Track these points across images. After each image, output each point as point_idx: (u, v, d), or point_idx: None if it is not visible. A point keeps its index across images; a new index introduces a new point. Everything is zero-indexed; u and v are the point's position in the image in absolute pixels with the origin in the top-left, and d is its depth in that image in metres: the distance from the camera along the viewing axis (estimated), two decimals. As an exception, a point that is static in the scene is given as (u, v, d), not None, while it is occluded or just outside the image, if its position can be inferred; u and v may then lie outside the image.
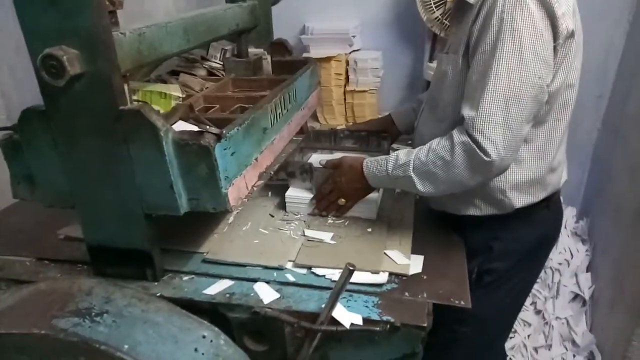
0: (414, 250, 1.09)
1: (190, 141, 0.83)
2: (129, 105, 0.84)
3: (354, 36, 2.38)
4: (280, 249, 1.09)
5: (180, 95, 1.23)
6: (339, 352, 0.94)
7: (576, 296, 2.04)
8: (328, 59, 2.32)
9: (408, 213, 1.25)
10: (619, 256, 1.84)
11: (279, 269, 1.02)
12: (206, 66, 1.58)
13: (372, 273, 1.00)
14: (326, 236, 1.13)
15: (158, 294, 0.94)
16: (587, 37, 2.19)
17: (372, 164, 1.13)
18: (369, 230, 1.16)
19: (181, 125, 0.94)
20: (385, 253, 1.07)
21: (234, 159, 0.92)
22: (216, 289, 0.97)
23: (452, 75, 1.08)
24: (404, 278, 1.00)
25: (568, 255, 2.14)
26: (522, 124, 0.96)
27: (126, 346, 0.75)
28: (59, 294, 0.84)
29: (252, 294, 0.95)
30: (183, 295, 0.95)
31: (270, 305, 0.92)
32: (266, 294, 0.95)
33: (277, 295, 0.95)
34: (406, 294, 0.96)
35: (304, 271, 1.02)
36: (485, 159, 0.95)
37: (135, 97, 1.15)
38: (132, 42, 0.90)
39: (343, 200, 1.19)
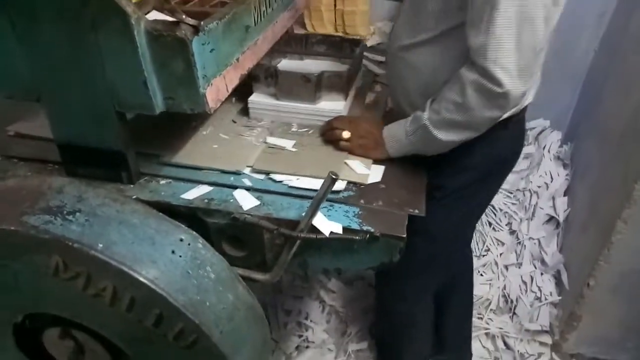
0: (377, 161, 1.09)
1: (165, 32, 0.76)
2: (95, -12, 0.75)
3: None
4: (239, 154, 1.07)
5: (156, -14, 1.12)
6: (317, 259, 0.95)
7: (551, 218, 2.10)
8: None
9: None
10: (597, 179, 1.87)
11: (237, 173, 1.01)
12: (185, -43, 1.44)
13: None
14: (288, 144, 1.11)
15: (134, 197, 0.92)
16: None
17: (391, 125, 1.07)
18: None
19: (155, 15, 0.86)
20: (345, 162, 1.06)
21: (213, 57, 0.85)
22: (194, 193, 0.95)
23: None
24: (362, 187, 1.01)
25: (548, 178, 2.16)
26: (535, 49, 0.88)
27: (100, 245, 0.74)
28: (28, 191, 0.81)
29: (231, 200, 0.93)
30: (160, 199, 0.93)
31: (249, 211, 0.91)
32: (246, 200, 0.93)
33: (257, 202, 0.93)
34: (361, 201, 0.96)
35: (261, 177, 1.01)
36: (499, 90, 0.88)
37: (104, -15, 1.05)
38: None
39: (348, 134, 1.09)
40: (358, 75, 1.41)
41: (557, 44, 2.12)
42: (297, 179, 0.99)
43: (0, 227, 0.74)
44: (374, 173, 1.05)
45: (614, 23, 1.99)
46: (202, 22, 0.78)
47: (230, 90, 0.93)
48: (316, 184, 0.96)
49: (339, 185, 0.99)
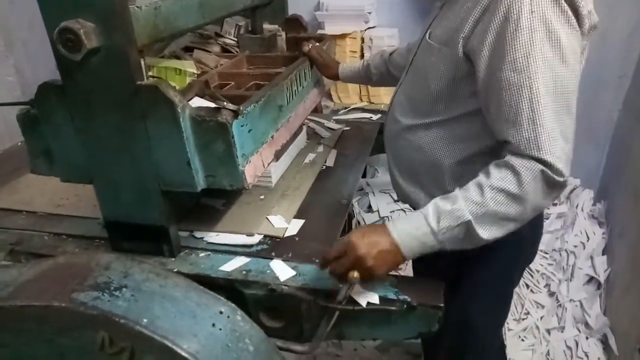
0: (299, 216, 1.14)
1: (208, 117, 0.83)
2: (145, 81, 0.83)
3: (369, 12, 2.33)
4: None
5: (195, 72, 1.22)
6: (355, 330, 0.94)
7: (591, 279, 2.03)
8: (343, 36, 2.28)
9: (307, 183, 1.29)
10: (636, 240, 1.81)
11: None
12: (220, 42, 1.56)
13: (247, 236, 1.06)
14: (217, 203, 1.17)
15: (175, 270, 0.95)
16: (611, 15, 2.12)
17: (401, 225, 0.86)
18: (262, 197, 1.20)
19: (197, 102, 0.94)
20: (267, 218, 1.12)
21: (251, 136, 0.91)
22: (232, 265, 0.97)
23: (445, 70, 0.94)
24: (277, 240, 1.06)
25: (584, 237, 2.12)
26: (573, 133, 0.86)
27: (145, 320, 0.76)
28: (77, 269, 0.85)
29: (268, 271, 0.95)
30: (200, 272, 0.96)
31: (286, 282, 0.92)
32: (282, 271, 0.95)
33: (294, 273, 0.95)
34: (273, 253, 1.01)
35: (185, 234, 1.07)
36: (559, 179, 0.81)
37: (150, 73, 1.15)
38: (148, 16, 0.89)
39: (356, 274, 0.83)
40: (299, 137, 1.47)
41: (580, 104, 2.15)
42: (217, 235, 1.06)
43: (52, 305, 0.78)
44: (293, 226, 1.10)
45: (635, 85, 2.02)
46: (240, 107, 0.85)
47: (266, 165, 0.98)
48: (233, 238, 1.05)
49: (254, 239, 1.05)
